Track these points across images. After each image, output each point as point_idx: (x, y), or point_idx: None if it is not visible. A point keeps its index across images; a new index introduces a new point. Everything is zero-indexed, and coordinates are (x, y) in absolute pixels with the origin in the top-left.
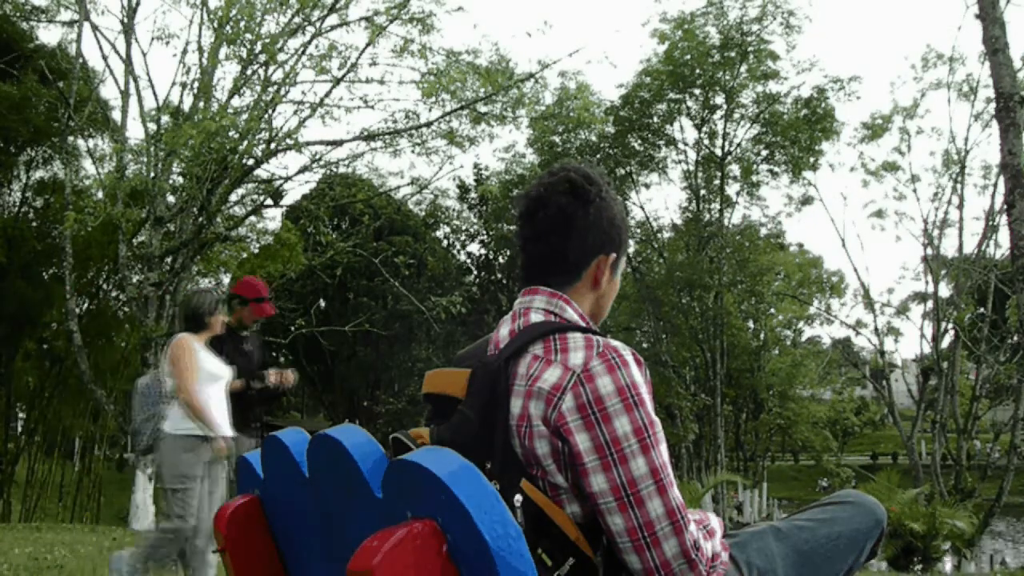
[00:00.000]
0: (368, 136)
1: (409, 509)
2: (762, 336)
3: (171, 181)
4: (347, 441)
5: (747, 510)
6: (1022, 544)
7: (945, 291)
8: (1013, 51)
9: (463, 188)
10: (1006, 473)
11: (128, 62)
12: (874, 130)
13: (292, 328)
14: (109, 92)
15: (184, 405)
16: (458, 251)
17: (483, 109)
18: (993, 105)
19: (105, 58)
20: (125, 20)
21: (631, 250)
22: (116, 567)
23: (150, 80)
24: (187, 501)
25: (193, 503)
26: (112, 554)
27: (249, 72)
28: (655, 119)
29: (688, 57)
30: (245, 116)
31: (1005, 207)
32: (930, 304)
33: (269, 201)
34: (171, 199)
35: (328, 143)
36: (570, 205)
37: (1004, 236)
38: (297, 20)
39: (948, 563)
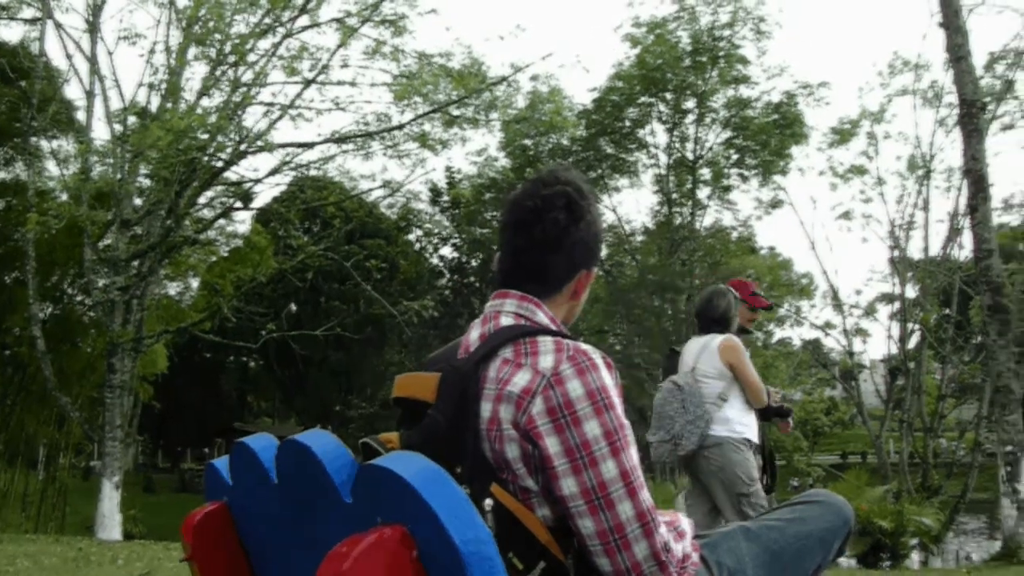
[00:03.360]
0: (339, 138)
1: (379, 514)
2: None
3: (138, 183)
4: (316, 446)
5: None
6: (987, 539)
7: (911, 292)
8: (975, 59)
9: (435, 191)
10: (971, 470)
11: (93, 62)
12: (842, 135)
13: (263, 332)
14: (74, 92)
15: (749, 409)
16: (430, 254)
17: (455, 112)
18: (957, 111)
19: (69, 57)
20: (90, 19)
21: (603, 253)
22: None
23: (116, 80)
24: (759, 502)
25: (764, 501)
26: None
27: (218, 73)
28: (627, 123)
29: (660, 61)
30: (214, 117)
31: (968, 210)
32: (897, 305)
33: (239, 204)
34: (138, 201)
35: (299, 145)
36: (564, 222)
37: (968, 239)
38: (267, 21)
39: (916, 559)
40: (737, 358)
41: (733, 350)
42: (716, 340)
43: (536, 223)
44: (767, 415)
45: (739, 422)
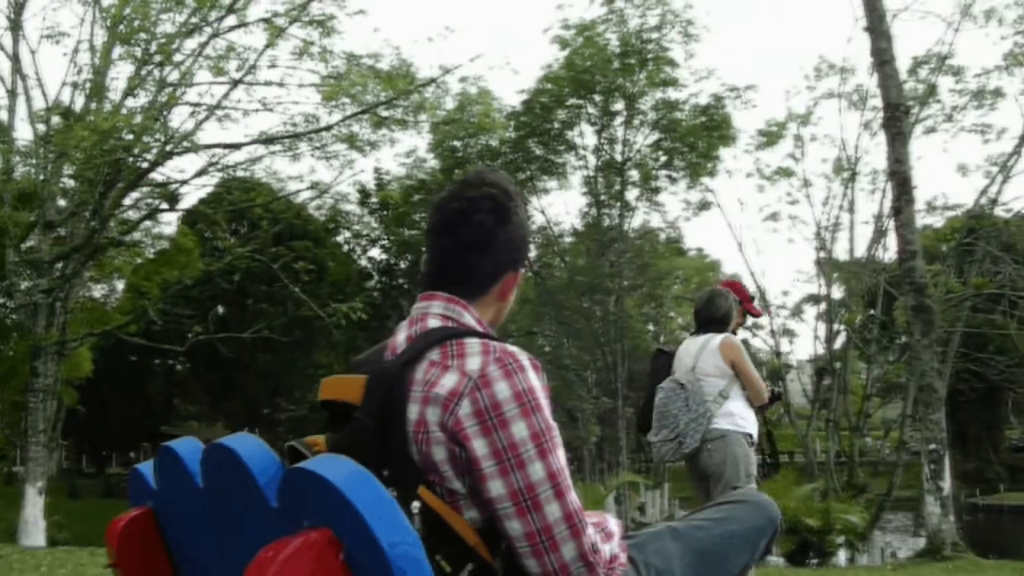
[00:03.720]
0: (267, 139)
1: (305, 518)
2: (662, 339)
3: (62, 184)
4: (241, 450)
5: (649, 510)
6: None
7: (837, 293)
8: (899, 63)
9: (364, 193)
10: (896, 468)
11: (16, 60)
12: (769, 137)
13: (189, 335)
14: None
15: (749, 406)
16: (359, 256)
17: (384, 113)
18: (881, 114)
19: None
20: (12, 16)
21: (532, 255)
22: None
23: (39, 79)
24: None
25: None
26: None
27: (144, 72)
28: (556, 125)
29: (589, 64)
30: (139, 117)
31: (893, 212)
32: (823, 306)
33: (165, 205)
34: (62, 202)
35: (226, 146)
36: (490, 224)
37: (892, 240)
38: (194, 20)
39: (842, 557)
40: (739, 356)
41: (735, 348)
42: (716, 339)
43: (462, 225)
44: (762, 408)
45: (741, 417)
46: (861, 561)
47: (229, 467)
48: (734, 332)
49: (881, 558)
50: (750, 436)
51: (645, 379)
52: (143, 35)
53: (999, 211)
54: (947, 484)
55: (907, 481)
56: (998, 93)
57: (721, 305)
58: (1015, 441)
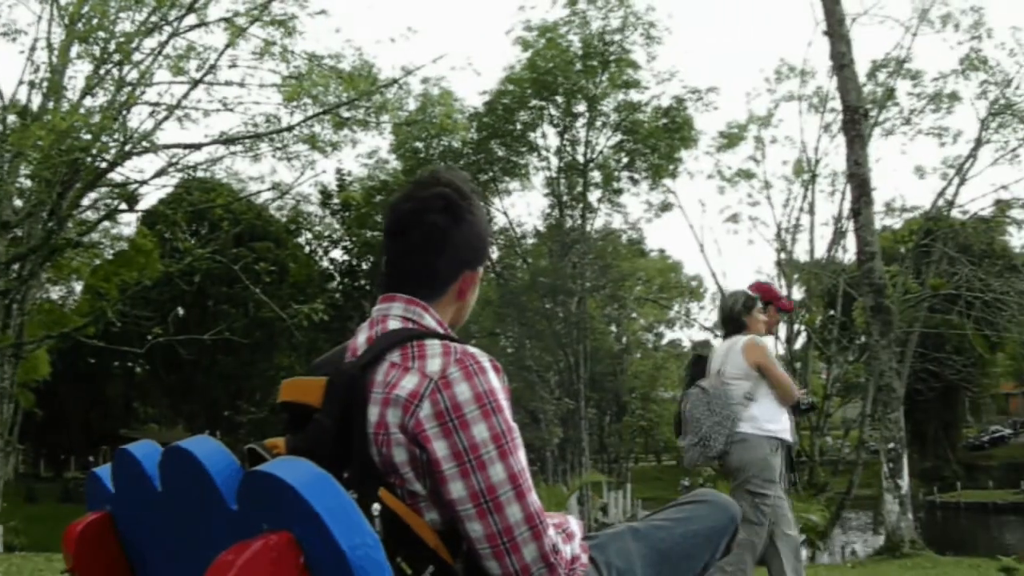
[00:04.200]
0: (227, 140)
1: (265, 521)
2: (624, 340)
3: (18, 184)
4: (200, 453)
5: (612, 511)
6: (871, 534)
7: (797, 294)
8: (858, 67)
9: (325, 194)
10: (855, 467)
11: None
12: (730, 139)
13: (149, 337)
14: None
15: (779, 407)
16: (320, 257)
17: (346, 114)
18: (841, 117)
19: None
20: None
21: (494, 256)
22: None
23: None
24: (766, 507)
25: (768, 510)
26: None
27: (102, 71)
28: (518, 126)
29: (551, 65)
30: (98, 116)
31: (852, 214)
32: None
33: (124, 206)
34: (18, 203)
35: (185, 146)
36: (444, 223)
37: (851, 241)
38: (153, 19)
39: (803, 555)
40: (763, 357)
41: (758, 350)
42: (740, 341)
43: (414, 226)
44: (796, 411)
45: (766, 420)
46: (821, 559)
47: (187, 470)
48: (770, 332)
49: (841, 556)
50: (776, 439)
51: (605, 380)
52: (102, 33)
53: (956, 213)
54: (905, 482)
55: (866, 480)
56: (954, 97)
57: (725, 306)
58: (972, 439)
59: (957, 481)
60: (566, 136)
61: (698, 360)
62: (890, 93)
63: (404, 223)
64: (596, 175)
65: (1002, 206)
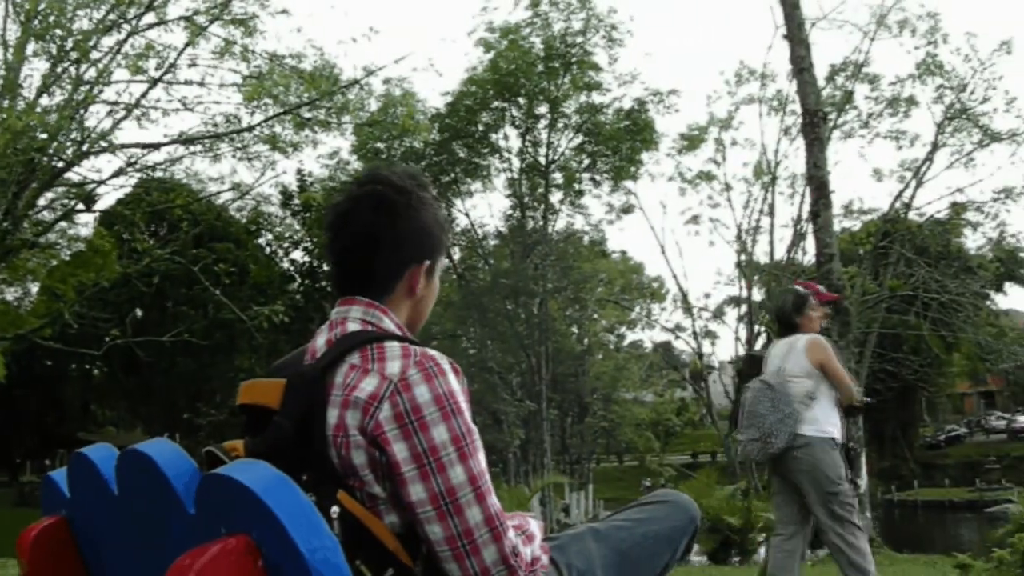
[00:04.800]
0: (187, 139)
1: (223, 525)
2: (586, 341)
3: None
4: (157, 456)
5: (574, 512)
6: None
7: (757, 295)
8: (818, 70)
9: (286, 194)
10: None
11: None
12: (691, 141)
13: (107, 339)
14: None
15: (836, 407)
16: (281, 258)
17: (307, 114)
18: (800, 120)
19: None
20: None
21: (456, 257)
22: None
23: None
24: (847, 499)
25: (853, 502)
26: None
27: (59, 70)
28: (480, 127)
29: (513, 67)
30: (54, 115)
31: (811, 216)
32: (744, 308)
33: (81, 206)
34: None
35: (144, 146)
36: (377, 221)
37: (811, 243)
38: (112, 17)
39: (763, 554)
40: (826, 356)
41: (821, 349)
42: (803, 339)
43: (347, 225)
44: (849, 411)
45: (827, 422)
46: None
47: (145, 474)
48: (822, 329)
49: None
50: (834, 440)
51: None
52: (59, 31)
53: (913, 215)
54: (863, 481)
55: None
56: (911, 101)
57: (775, 306)
58: (928, 439)
59: (914, 480)
60: (528, 137)
61: (752, 359)
62: (849, 96)
63: (338, 222)
64: (558, 177)
65: (957, 209)
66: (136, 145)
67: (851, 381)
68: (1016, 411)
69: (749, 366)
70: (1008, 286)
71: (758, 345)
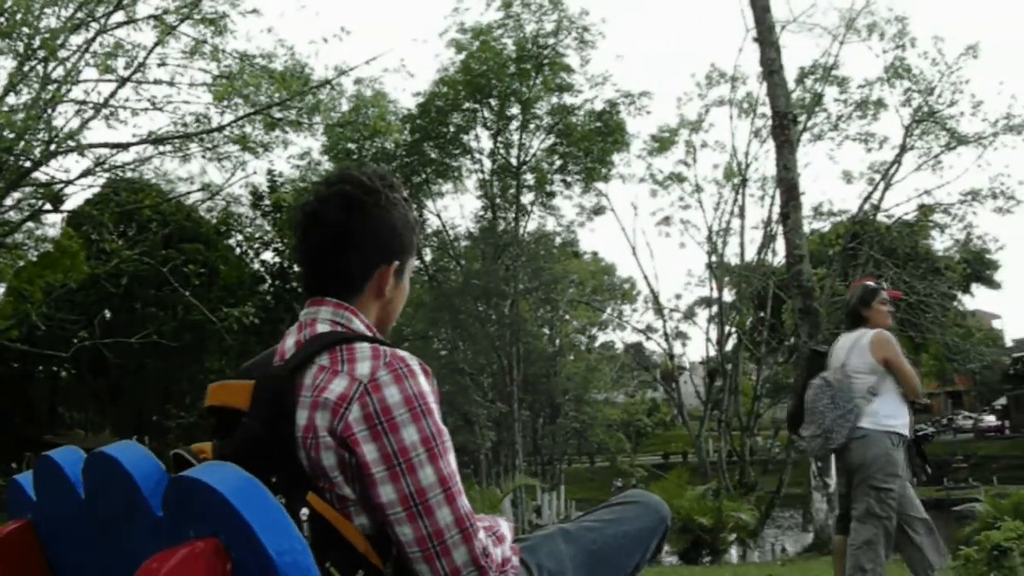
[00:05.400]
0: (156, 139)
1: (191, 528)
2: (557, 342)
3: None
4: (124, 458)
5: (546, 512)
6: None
7: (728, 296)
8: (787, 73)
9: (256, 195)
10: (785, 467)
11: None
12: (662, 143)
13: (75, 340)
14: None
15: (902, 402)
16: (251, 259)
17: (278, 115)
18: (770, 122)
19: None
20: None
21: (427, 258)
22: None
23: None
24: (891, 501)
25: (894, 503)
26: None
27: (26, 68)
28: (451, 128)
29: (485, 68)
30: (22, 115)
31: (781, 217)
32: (714, 309)
33: (48, 206)
34: None
35: (113, 146)
36: (344, 221)
37: (781, 245)
38: (80, 15)
39: (734, 554)
40: (892, 352)
41: (887, 345)
42: (868, 335)
43: (314, 226)
44: (914, 407)
45: (887, 415)
46: (752, 558)
47: (112, 477)
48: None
49: (772, 554)
50: (896, 435)
51: (539, 383)
52: (26, 29)
53: (881, 217)
54: (833, 481)
55: (796, 479)
56: (880, 104)
57: (849, 300)
58: None
59: None
60: (499, 139)
61: (814, 355)
62: (818, 99)
63: (305, 223)
64: (529, 178)
65: (925, 211)
66: (105, 145)
67: (916, 377)
68: (983, 411)
69: (811, 361)
70: (975, 287)
71: (728, 346)
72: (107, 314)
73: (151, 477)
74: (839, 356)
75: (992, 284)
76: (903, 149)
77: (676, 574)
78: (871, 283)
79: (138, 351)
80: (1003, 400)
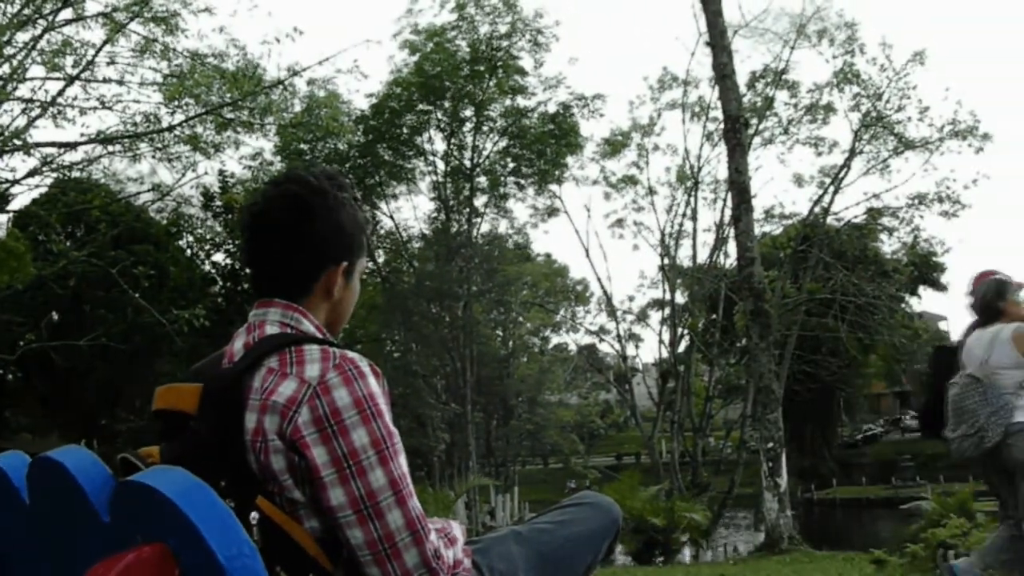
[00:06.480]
0: (105, 139)
1: (139, 533)
2: (511, 344)
3: None
4: (70, 463)
5: (499, 514)
6: (752, 531)
7: (680, 299)
8: (739, 77)
9: (207, 196)
10: (736, 467)
11: None
12: (615, 146)
13: (20, 343)
14: None
15: None
16: (202, 261)
17: (229, 115)
18: (722, 126)
19: None
20: None
21: (380, 260)
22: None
23: None
24: None
25: None
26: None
27: None
28: (405, 130)
29: (438, 69)
30: None
31: (732, 220)
32: (667, 311)
33: None
34: None
35: (60, 145)
36: (291, 222)
37: (732, 247)
38: (27, 12)
39: (687, 554)
40: None
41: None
42: (1008, 329)
43: (261, 226)
44: None
45: None
46: (705, 557)
47: (57, 482)
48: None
49: (724, 554)
50: None
51: (492, 384)
52: None
53: (831, 220)
54: (784, 480)
55: (747, 479)
56: (829, 108)
57: (978, 294)
58: (846, 438)
59: (833, 478)
60: (453, 141)
61: (940, 351)
62: (769, 103)
63: (252, 224)
64: (483, 180)
65: (874, 214)
66: (52, 144)
67: None
68: None
69: (939, 359)
70: (922, 289)
71: (681, 348)
72: (55, 316)
73: (97, 482)
74: (976, 353)
75: (939, 287)
76: (852, 153)
77: (629, 574)
78: (1002, 276)
79: (86, 354)
80: None
